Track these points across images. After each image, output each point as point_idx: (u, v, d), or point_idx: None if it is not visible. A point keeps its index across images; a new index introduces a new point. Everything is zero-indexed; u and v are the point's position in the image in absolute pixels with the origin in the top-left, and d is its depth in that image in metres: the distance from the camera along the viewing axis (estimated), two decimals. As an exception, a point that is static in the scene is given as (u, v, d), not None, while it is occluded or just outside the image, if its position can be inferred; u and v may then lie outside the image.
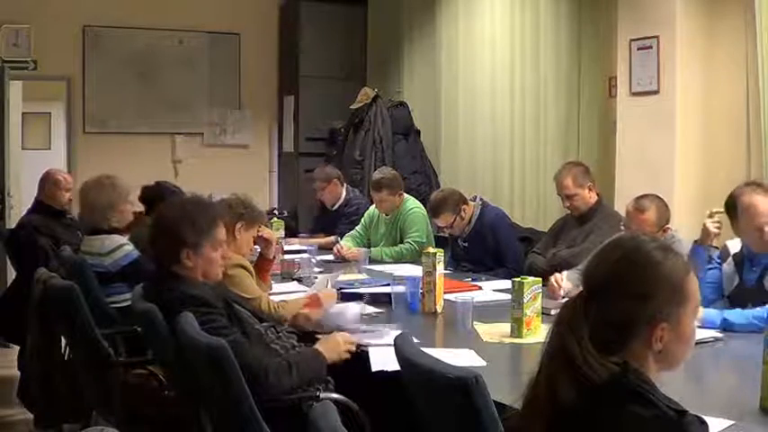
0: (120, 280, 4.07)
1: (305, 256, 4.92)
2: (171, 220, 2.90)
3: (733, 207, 3.27)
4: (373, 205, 5.61)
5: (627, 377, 1.48)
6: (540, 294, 3.17)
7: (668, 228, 3.72)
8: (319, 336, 3.13)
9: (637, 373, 1.50)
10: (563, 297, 3.53)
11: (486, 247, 4.90)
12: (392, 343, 2.27)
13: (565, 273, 3.78)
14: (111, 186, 4.28)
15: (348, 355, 2.90)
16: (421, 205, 5.51)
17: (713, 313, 3.12)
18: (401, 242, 5.35)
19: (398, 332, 2.44)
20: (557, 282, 3.67)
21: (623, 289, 1.54)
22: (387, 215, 5.49)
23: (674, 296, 1.55)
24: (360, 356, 2.88)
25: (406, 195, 5.55)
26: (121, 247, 4.11)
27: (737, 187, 3.36)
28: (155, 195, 4.74)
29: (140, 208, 4.79)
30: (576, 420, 1.48)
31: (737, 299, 3.31)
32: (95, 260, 4.07)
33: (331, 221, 6.13)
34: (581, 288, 1.60)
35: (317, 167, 6.54)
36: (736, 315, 3.11)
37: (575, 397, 1.47)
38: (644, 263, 1.56)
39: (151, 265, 3.87)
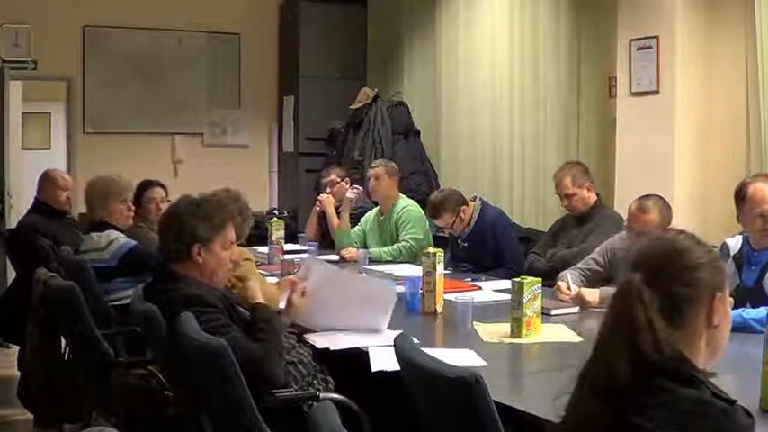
0: (121, 273, 4.14)
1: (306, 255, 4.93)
2: (183, 215, 2.88)
3: (741, 195, 3.30)
4: (369, 212, 5.60)
5: (683, 364, 1.50)
6: (540, 294, 3.18)
7: (669, 229, 3.71)
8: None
9: (689, 363, 1.52)
10: (574, 301, 3.53)
11: (486, 247, 4.91)
12: (392, 343, 2.27)
13: (565, 273, 3.78)
14: (107, 182, 4.45)
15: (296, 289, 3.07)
16: (415, 203, 5.51)
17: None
18: (398, 241, 5.34)
19: (398, 332, 2.45)
20: (561, 289, 3.65)
21: (682, 262, 1.58)
22: (381, 215, 5.48)
23: (720, 273, 1.63)
24: (360, 356, 2.89)
25: (399, 194, 5.55)
26: (117, 239, 4.23)
27: (748, 176, 3.39)
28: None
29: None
30: (630, 398, 1.48)
31: (737, 300, 3.30)
32: (95, 255, 4.16)
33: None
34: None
35: (324, 169, 6.21)
36: (735, 316, 3.11)
37: (631, 373, 1.47)
38: (690, 244, 1.62)
39: (149, 249, 3.96)
